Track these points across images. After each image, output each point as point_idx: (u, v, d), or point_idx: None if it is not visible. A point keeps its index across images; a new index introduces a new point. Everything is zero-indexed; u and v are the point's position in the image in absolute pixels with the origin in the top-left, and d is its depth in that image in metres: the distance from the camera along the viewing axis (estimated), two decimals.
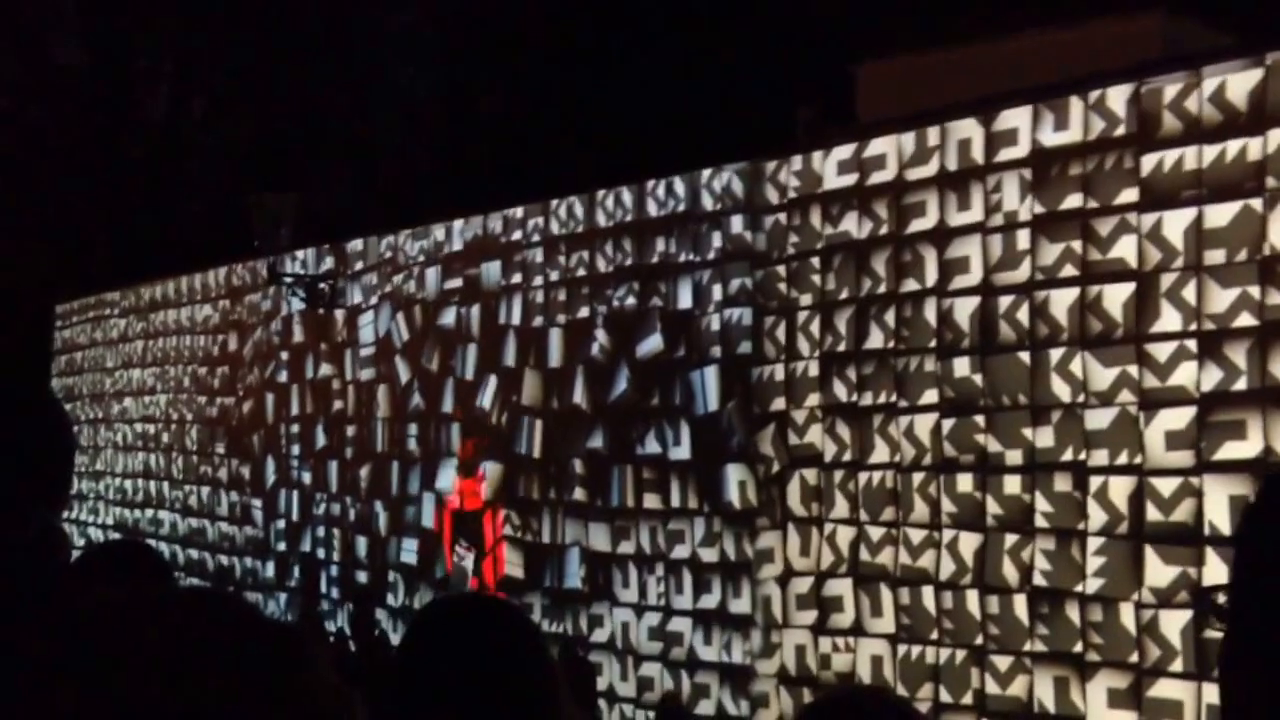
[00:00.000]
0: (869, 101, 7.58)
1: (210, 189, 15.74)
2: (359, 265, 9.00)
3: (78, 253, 15.44)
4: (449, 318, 8.08)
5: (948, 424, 5.21)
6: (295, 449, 9.47)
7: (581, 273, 7.06)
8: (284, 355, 9.70)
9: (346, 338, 9.03)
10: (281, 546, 9.61)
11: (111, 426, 12.22)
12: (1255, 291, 4.34)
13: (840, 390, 5.62)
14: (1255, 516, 0.84)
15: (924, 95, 6.23)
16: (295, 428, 9.51)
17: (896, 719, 1.53)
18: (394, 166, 15.92)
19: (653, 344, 6.58)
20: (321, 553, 9.12)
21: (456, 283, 8.04)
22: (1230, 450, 4.36)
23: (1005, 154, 5.09)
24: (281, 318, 9.76)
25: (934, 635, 5.19)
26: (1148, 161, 4.66)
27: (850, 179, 5.66)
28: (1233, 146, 4.42)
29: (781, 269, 5.92)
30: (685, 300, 6.41)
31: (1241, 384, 4.36)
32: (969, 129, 5.21)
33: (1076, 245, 4.84)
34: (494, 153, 14.50)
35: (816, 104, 8.42)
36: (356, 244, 9.08)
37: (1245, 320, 4.37)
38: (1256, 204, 4.36)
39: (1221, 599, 0.83)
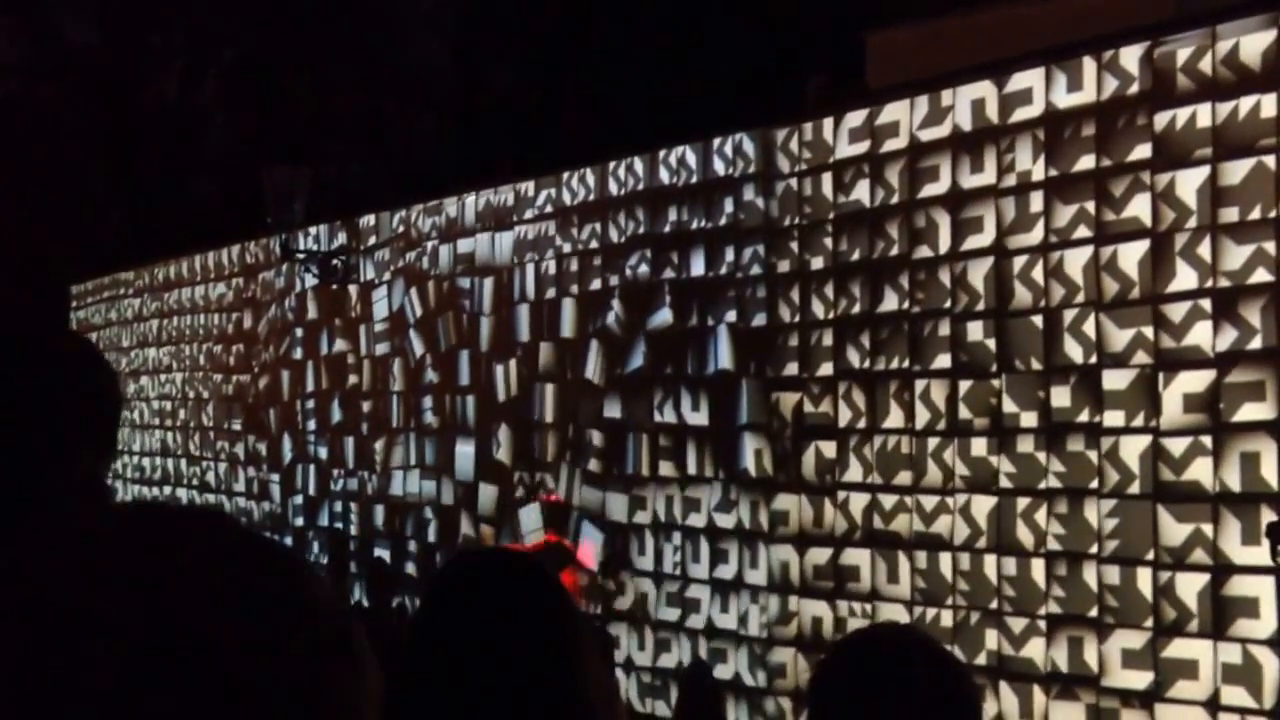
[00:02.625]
0: (879, 69, 7.53)
1: (222, 166, 15.75)
2: (372, 240, 9.02)
3: (92, 233, 15.48)
4: (462, 291, 8.09)
5: (963, 388, 5.21)
6: (311, 424, 9.52)
7: (594, 244, 7.06)
8: (298, 331, 9.74)
9: (360, 313, 9.06)
10: (299, 521, 9.67)
11: (129, 405, 12.29)
12: (1270, 248, 4.33)
13: (854, 356, 5.62)
14: None
15: (934, 62, 6.19)
16: (311, 403, 9.55)
17: (923, 653, 1.54)
18: (406, 140, 15.89)
19: (666, 313, 6.58)
20: (339, 526, 9.17)
21: (469, 256, 8.06)
22: (1249, 412, 4.36)
23: (1019, 114, 5.07)
24: (295, 294, 9.79)
25: (949, 600, 5.21)
26: (1161, 119, 4.64)
27: (862, 146, 5.65)
28: (1245, 103, 4.40)
29: (795, 233, 5.92)
30: (698, 268, 6.41)
31: (1257, 343, 4.36)
32: (982, 90, 5.20)
33: (1090, 205, 4.83)
34: (506, 125, 14.47)
35: (828, 72, 8.39)
36: (369, 219, 9.10)
37: (1261, 277, 4.36)
38: (1269, 161, 4.34)
39: None
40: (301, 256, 9.26)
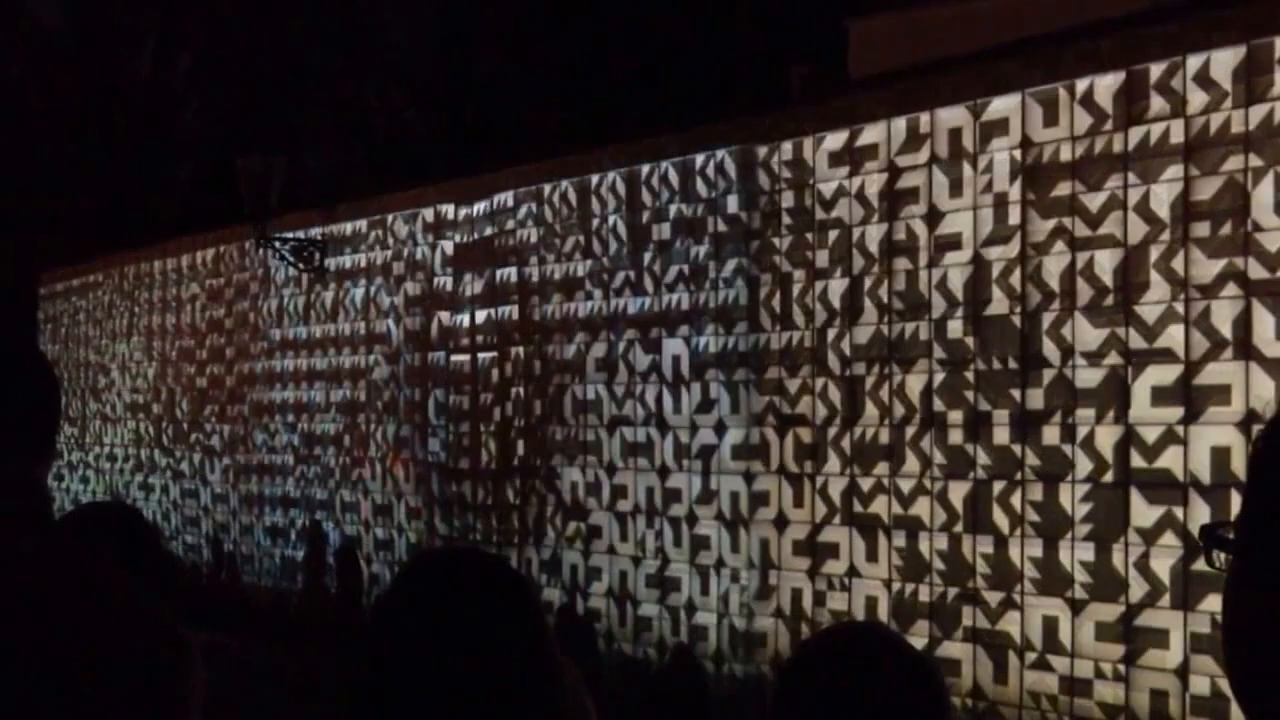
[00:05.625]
0: (861, 59, 7.61)
1: (197, 152, 15.58)
2: (349, 229, 9.00)
3: (62, 220, 15.26)
4: (444, 283, 8.13)
5: (939, 386, 5.36)
6: (289, 416, 9.49)
7: (580, 244, 7.12)
8: (273, 321, 9.68)
9: (337, 302, 9.05)
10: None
11: (99, 398, 12.16)
12: (1239, 261, 4.49)
13: (834, 363, 5.76)
14: (1268, 456, 0.85)
15: (917, 51, 6.28)
16: (287, 393, 9.51)
17: (891, 655, 1.52)
18: (386, 129, 15.76)
19: (651, 312, 6.68)
20: (317, 517, 9.17)
21: (451, 249, 8.09)
22: (1215, 415, 4.53)
23: (996, 141, 5.19)
24: (271, 283, 9.74)
25: (927, 578, 5.38)
26: (1135, 134, 4.77)
27: (842, 169, 5.75)
28: (1216, 119, 4.55)
29: (777, 242, 6.04)
30: (681, 274, 6.51)
31: (1227, 351, 4.52)
32: (959, 118, 5.30)
33: (1068, 221, 4.97)
34: (488, 112, 14.39)
35: (811, 62, 8.45)
36: (347, 207, 9.08)
37: (1230, 290, 4.52)
38: (1239, 176, 4.50)
39: (1225, 533, 0.88)
40: (277, 245, 9.20)
